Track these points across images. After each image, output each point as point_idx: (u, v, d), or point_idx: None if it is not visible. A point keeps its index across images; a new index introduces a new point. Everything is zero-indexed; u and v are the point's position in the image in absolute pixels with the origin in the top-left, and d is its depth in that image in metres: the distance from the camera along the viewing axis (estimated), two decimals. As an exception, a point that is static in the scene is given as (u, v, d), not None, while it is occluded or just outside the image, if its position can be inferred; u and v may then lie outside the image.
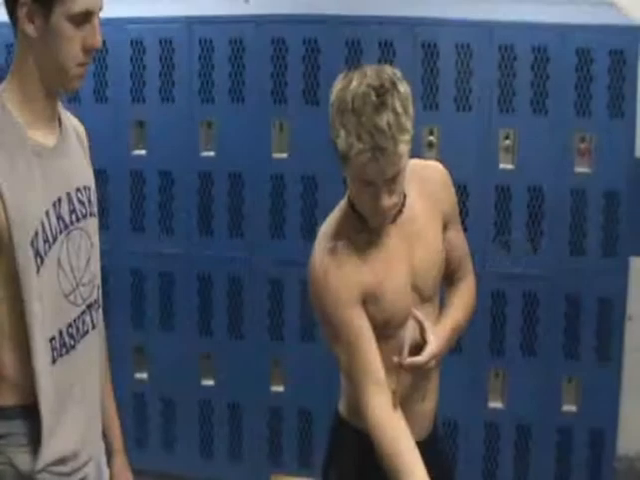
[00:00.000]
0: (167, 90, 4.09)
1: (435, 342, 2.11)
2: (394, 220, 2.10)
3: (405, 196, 2.09)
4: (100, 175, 4.12)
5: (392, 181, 1.93)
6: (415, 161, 2.16)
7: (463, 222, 3.77)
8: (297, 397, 4.12)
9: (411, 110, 1.91)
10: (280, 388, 4.15)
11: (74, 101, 4.13)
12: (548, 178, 3.83)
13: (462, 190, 3.84)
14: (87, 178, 1.95)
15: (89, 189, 1.93)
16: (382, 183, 1.93)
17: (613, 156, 3.78)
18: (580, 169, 3.81)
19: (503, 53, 3.78)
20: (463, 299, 2.31)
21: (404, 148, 1.89)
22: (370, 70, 1.93)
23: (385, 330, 2.11)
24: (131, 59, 4.09)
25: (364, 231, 2.09)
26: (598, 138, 3.78)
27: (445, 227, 2.24)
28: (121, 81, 4.11)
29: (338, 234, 2.10)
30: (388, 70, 1.94)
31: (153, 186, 4.15)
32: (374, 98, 1.86)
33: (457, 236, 2.32)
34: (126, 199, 4.17)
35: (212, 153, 4.08)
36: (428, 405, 2.27)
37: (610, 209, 3.81)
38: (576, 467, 3.95)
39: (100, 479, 2.06)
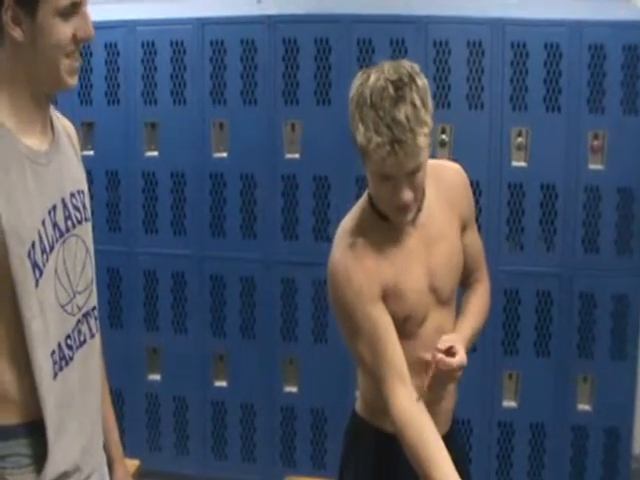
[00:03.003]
0: (179, 91, 4.10)
1: (462, 352, 2.10)
2: (413, 221, 2.10)
3: (424, 194, 2.08)
4: (112, 177, 4.19)
5: (412, 175, 1.93)
6: (434, 162, 2.16)
7: (477, 220, 3.80)
8: (310, 397, 4.11)
9: (430, 103, 1.90)
10: (293, 389, 4.15)
11: (86, 103, 4.15)
12: (561, 175, 3.81)
13: (475, 188, 3.79)
14: (80, 182, 1.86)
15: (83, 193, 1.85)
16: (402, 176, 1.92)
17: (626, 153, 3.76)
18: (593, 166, 3.80)
19: (515, 50, 3.77)
20: (480, 305, 2.31)
21: (423, 141, 1.87)
22: (388, 65, 1.93)
23: (404, 327, 2.11)
24: (142, 61, 4.10)
25: (384, 229, 2.09)
26: (611, 135, 3.77)
27: (463, 229, 2.24)
28: (133, 83, 4.12)
29: (358, 230, 2.10)
30: (406, 64, 1.94)
31: (165, 187, 4.16)
32: (392, 92, 1.86)
33: (473, 237, 2.32)
34: (138, 200, 4.18)
35: (224, 154, 4.09)
36: (448, 403, 2.27)
37: (624, 206, 3.79)
38: (591, 467, 3.93)
39: None
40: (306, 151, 3.99)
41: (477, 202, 3.71)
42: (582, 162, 3.79)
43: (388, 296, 2.08)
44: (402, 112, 1.85)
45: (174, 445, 4.29)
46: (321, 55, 3.93)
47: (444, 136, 3.85)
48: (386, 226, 2.09)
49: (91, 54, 4.08)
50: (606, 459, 3.92)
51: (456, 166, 2.28)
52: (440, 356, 2.06)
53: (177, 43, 4.05)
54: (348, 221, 2.14)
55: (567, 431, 3.93)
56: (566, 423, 3.93)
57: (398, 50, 3.84)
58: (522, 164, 3.83)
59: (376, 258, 2.07)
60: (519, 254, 3.87)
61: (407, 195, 1.95)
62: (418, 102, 1.87)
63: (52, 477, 1.70)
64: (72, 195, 1.79)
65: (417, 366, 2.10)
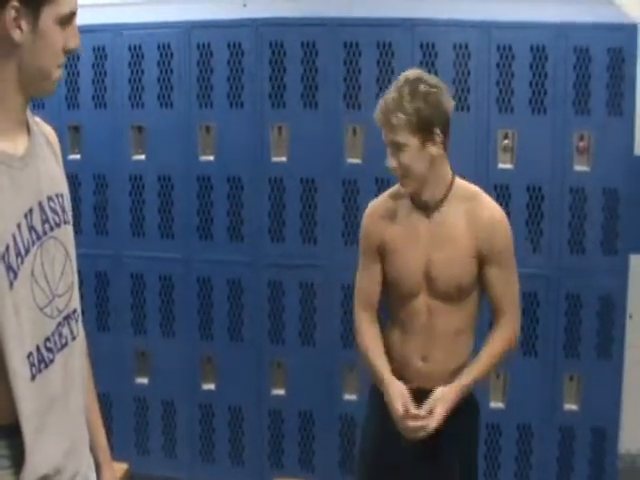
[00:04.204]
0: (166, 95, 4.10)
1: (434, 419, 2.48)
2: (429, 214, 2.60)
3: (442, 201, 2.59)
4: (99, 180, 4.19)
5: (397, 149, 2.51)
6: (481, 195, 2.63)
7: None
8: (298, 400, 4.12)
9: (420, 102, 2.46)
10: (281, 391, 4.15)
11: (73, 107, 4.14)
12: (547, 177, 3.84)
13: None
14: (59, 185, 1.83)
15: (62, 196, 1.82)
16: (389, 145, 2.53)
17: (612, 154, 3.79)
18: (579, 167, 3.82)
19: (501, 52, 3.79)
20: (491, 354, 2.60)
21: (396, 121, 2.47)
22: (419, 72, 2.59)
23: (399, 290, 2.65)
24: (129, 64, 4.10)
25: (406, 206, 2.65)
26: (597, 136, 3.79)
27: (483, 261, 2.58)
28: (120, 86, 4.12)
29: (391, 195, 2.71)
30: (418, 72, 2.58)
31: (153, 191, 4.16)
32: (396, 84, 2.53)
33: (498, 276, 2.60)
34: (126, 204, 4.18)
35: (211, 157, 4.09)
36: (429, 367, 2.64)
37: (609, 207, 3.81)
38: (578, 466, 3.95)
39: None
40: (293, 154, 4.00)
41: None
42: (568, 163, 3.82)
43: (384, 251, 2.67)
44: (390, 96, 2.51)
45: (162, 448, 4.29)
46: (308, 58, 3.94)
47: (431, 138, 3.86)
48: (409, 205, 2.64)
49: (78, 58, 4.07)
50: (593, 458, 3.94)
51: (497, 213, 2.61)
52: (411, 412, 2.49)
53: (164, 46, 4.06)
54: (394, 187, 2.70)
55: (554, 431, 3.95)
56: (553, 423, 3.95)
57: (385, 53, 3.86)
58: (508, 166, 3.86)
59: (385, 218, 2.68)
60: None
61: (391, 162, 2.55)
62: (405, 94, 2.47)
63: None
64: (50, 198, 1.77)
65: (408, 328, 2.66)
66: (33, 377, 1.68)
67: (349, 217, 3.95)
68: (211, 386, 4.23)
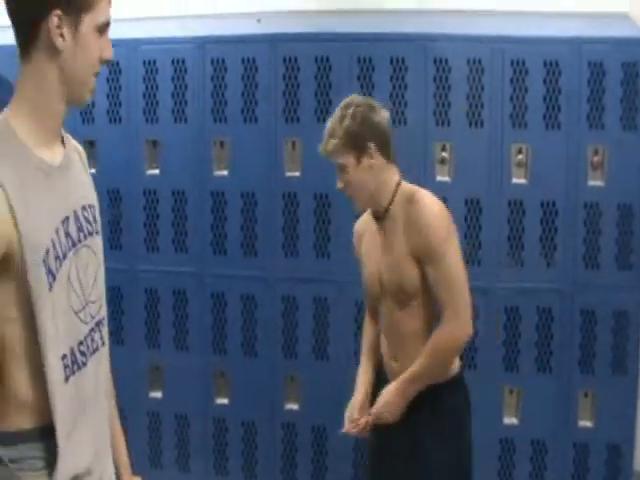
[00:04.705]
0: (180, 110, 4.12)
1: (378, 404, 2.78)
2: (382, 224, 2.77)
3: (388, 208, 2.73)
4: (114, 194, 4.21)
5: (339, 170, 2.73)
6: (418, 192, 2.70)
7: (477, 237, 3.81)
8: (311, 414, 4.11)
9: (348, 122, 2.65)
10: (294, 406, 4.15)
11: (88, 121, 4.17)
12: (561, 192, 3.82)
13: (475, 205, 3.85)
14: (91, 197, 1.93)
15: (93, 207, 1.92)
16: (337, 169, 2.74)
17: (626, 169, 3.77)
18: (593, 182, 3.81)
19: (515, 67, 3.79)
20: (426, 353, 2.67)
21: (331, 146, 2.68)
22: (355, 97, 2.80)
23: (370, 299, 2.96)
24: (144, 79, 4.12)
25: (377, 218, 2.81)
26: (611, 151, 3.78)
27: (421, 262, 2.66)
28: (134, 101, 4.14)
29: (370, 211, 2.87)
30: (349, 98, 2.76)
31: (167, 205, 4.17)
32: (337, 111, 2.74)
33: (435, 275, 2.65)
34: (140, 218, 4.19)
35: (225, 172, 4.10)
36: (400, 366, 2.77)
37: (624, 222, 3.79)
38: (593, 483, 3.93)
39: None
40: (307, 169, 4.00)
41: (477, 219, 3.76)
42: (582, 178, 3.80)
43: (361, 262, 2.93)
44: (329, 122, 2.73)
45: (176, 462, 4.29)
46: (321, 73, 3.95)
47: (444, 154, 3.86)
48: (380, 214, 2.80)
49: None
50: (608, 475, 3.90)
51: (429, 212, 2.63)
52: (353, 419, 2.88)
53: (178, 62, 4.08)
54: None
55: (568, 447, 3.92)
56: (567, 439, 3.92)
57: (398, 68, 3.86)
58: (522, 181, 3.85)
59: (361, 232, 2.94)
60: (519, 270, 3.88)
61: (338, 183, 2.76)
62: (336, 121, 2.69)
63: None
64: (83, 208, 1.85)
65: (382, 330, 2.91)
66: (67, 378, 1.75)
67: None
68: (224, 400, 4.23)
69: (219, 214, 4.12)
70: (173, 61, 4.08)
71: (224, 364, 4.19)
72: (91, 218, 1.89)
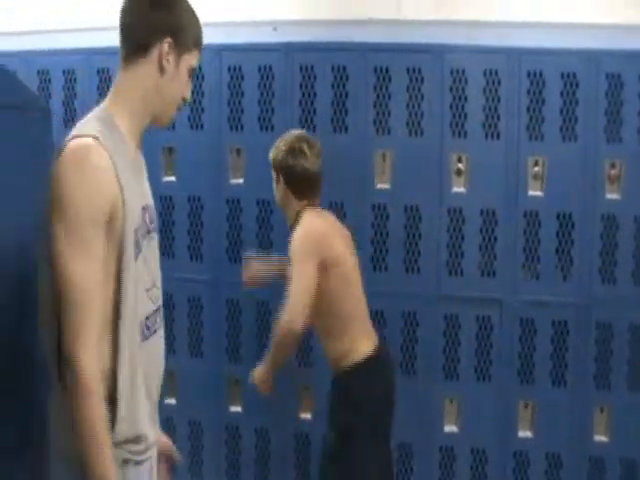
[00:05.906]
0: (196, 117, 4.12)
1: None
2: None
3: (292, 228, 3.27)
4: (130, 202, 4.19)
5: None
6: (299, 222, 3.27)
7: (492, 248, 3.79)
8: (323, 424, 4.09)
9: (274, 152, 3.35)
10: (308, 415, 4.15)
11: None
12: (578, 205, 3.80)
13: (491, 217, 3.83)
14: (152, 200, 2.17)
15: (154, 210, 2.16)
16: None
17: (643, 182, 3.74)
18: (610, 195, 3.78)
19: (531, 79, 3.77)
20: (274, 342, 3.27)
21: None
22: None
23: None
24: (158, 87, 4.12)
25: None
26: (628, 164, 3.75)
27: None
28: (151, 108, 4.14)
29: None
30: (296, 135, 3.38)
31: (182, 212, 4.18)
32: None
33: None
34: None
35: (241, 180, 4.11)
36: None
37: (641, 235, 3.77)
38: (608, 498, 3.90)
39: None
40: (324, 177, 3.98)
41: (493, 230, 3.75)
42: (599, 191, 3.78)
43: None
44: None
45: (189, 469, 4.29)
46: (338, 82, 3.94)
47: (460, 165, 3.85)
48: None
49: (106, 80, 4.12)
50: (623, 490, 3.89)
51: (297, 234, 3.23)
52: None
53: (195, 69, 4.07)
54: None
55: (584, 462, 3.90)
56: (582, 454, 3.90)
57: (415, 79, 3.85)
58: (538, 193, 3.82)
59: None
60: (535, 283, 3.86)
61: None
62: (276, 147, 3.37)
63: (130, 437, 1.95)
64: (150, 206, 2.11)
65: None
66: (145, 338, 2.00)
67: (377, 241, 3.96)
68: (238, 408, 4.23)
69: (235, 222, 4.13)
70: (190, 68, 4.08)
71: (238, 372, 4.18)
72: (154, 216, 2.13)
